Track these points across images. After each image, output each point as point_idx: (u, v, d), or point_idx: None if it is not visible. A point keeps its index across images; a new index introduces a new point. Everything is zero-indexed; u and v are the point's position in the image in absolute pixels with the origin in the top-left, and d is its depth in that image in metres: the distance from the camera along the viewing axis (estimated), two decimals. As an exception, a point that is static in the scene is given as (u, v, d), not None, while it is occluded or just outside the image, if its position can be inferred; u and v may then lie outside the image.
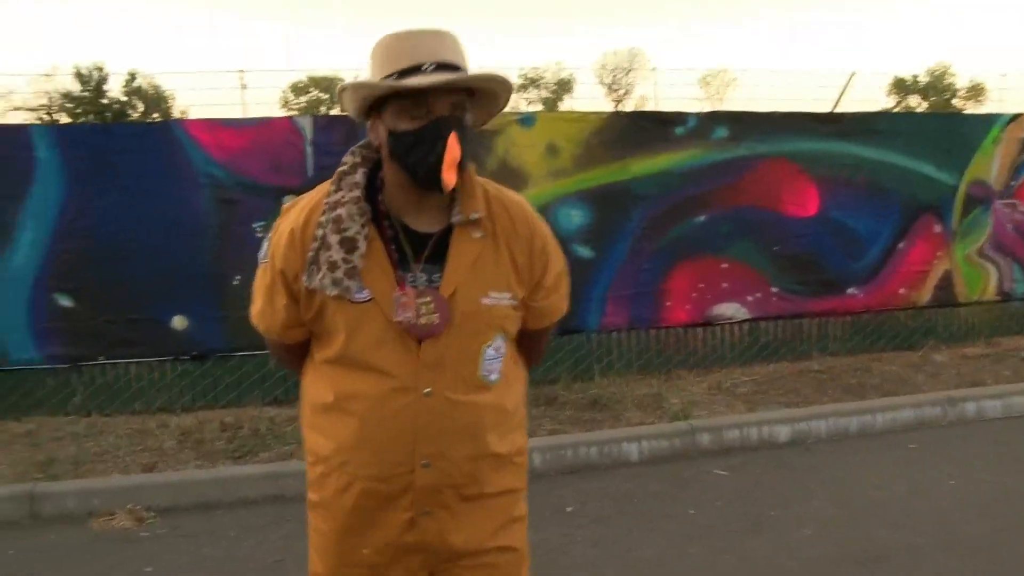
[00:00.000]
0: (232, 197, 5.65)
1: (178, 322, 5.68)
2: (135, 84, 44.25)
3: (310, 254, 1.75)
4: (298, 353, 1.94)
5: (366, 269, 1.73)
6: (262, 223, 5.62)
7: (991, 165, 7.41)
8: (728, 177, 6.58)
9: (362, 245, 1.73)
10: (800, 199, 6.84)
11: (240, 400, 5.89)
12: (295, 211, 1.83)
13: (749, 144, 6.59)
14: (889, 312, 7.39)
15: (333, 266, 1.72)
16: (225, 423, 5.50)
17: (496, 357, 1.81)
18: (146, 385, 5.84)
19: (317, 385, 1.86)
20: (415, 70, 1.67)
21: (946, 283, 7.39)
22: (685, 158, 6.48)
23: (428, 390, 1.74)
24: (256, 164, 5.68)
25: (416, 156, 1.68)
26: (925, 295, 7.36)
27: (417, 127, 1.67)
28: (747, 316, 6.84)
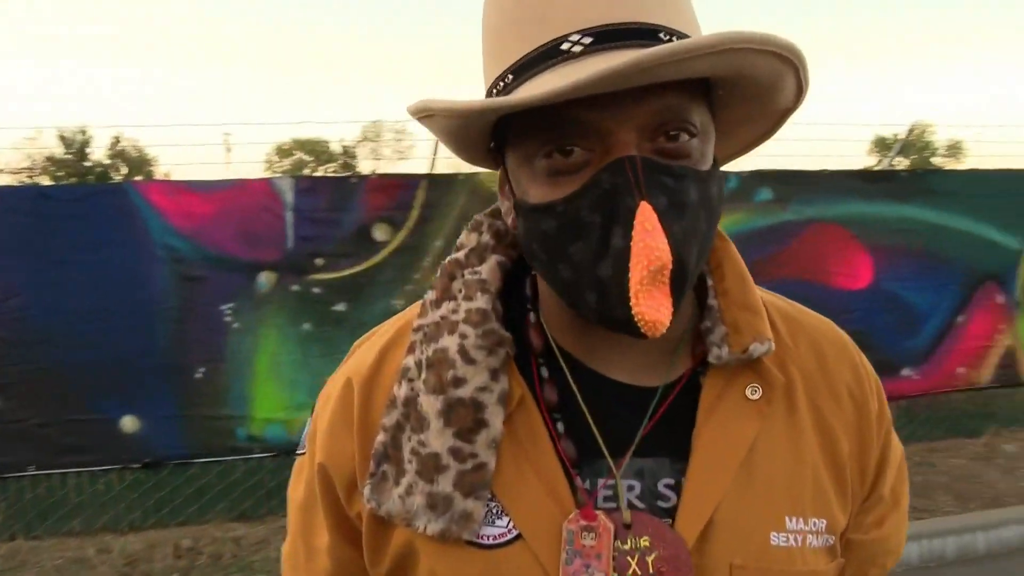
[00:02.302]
0: (196, 273, 4.74)
1: (128, 423, 4.71)
2: (119, 147, 43.82)
3: (380, 439, 0.88)
4: None
5: (504, 472, 0.85)
6: (231, 304, 4.72)
7: (1056, 226, 6.63)
8: (772, 246, 5.75)
9: (495, 420, 0.84)
10: (851, 269, 6.02)
11: (201, 515, 4.92)
12: (364, 347, 0.97)
13: (796, 207, 5.77)
14: (945, 395, 6.56)
15: (431, 466, 0.84)
16: (180, 547, 4.55)
17: None
18: (87, 500, 4.86)
19: None
20: (553, 52, 0.79)
21: (1009, 360, 6.56)
22: (724, 224, 5.62)
23: None
24: (226, 234, 4.78)
25: (568, 268, 0.80)
26: (986, 374, 6.52)
27: (564, 196, 0.79)
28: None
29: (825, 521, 0.89)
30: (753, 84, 0.82)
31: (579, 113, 0.76)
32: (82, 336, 4.62)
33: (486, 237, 0.94)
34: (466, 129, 0.84)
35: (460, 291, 0.90)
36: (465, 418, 0.83)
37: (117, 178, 40.27)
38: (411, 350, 0.89)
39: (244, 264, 4.77)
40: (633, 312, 0.75)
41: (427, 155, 5.56)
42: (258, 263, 4.76)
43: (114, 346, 4.64)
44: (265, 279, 4.80)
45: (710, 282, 0.94)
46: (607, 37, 0.77)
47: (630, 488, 0.85)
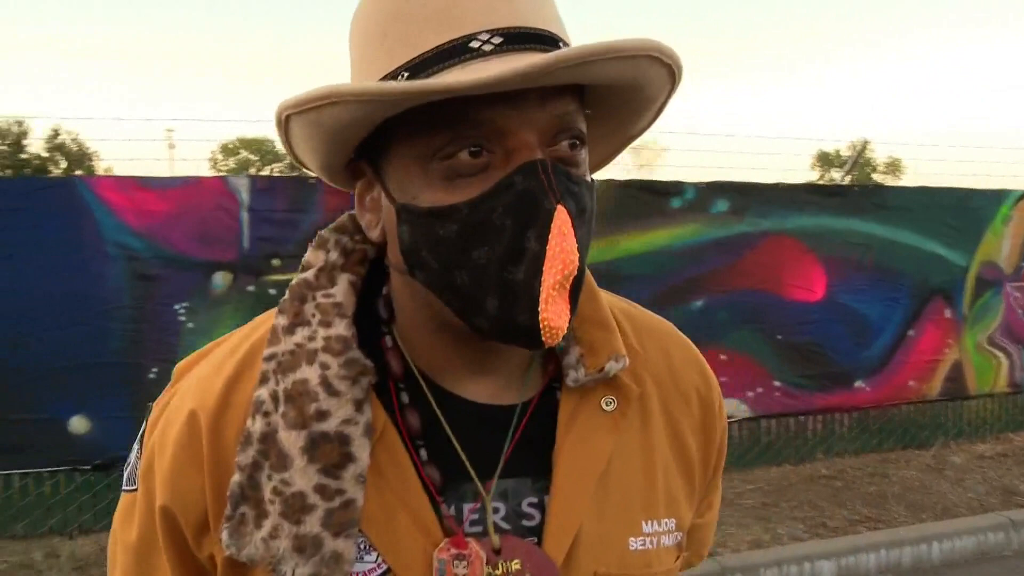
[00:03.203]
0: (150, 272, 4.63)
1: (78, 424, 4.59)
2: (58, 140, 42.71)
3: (235, 479, 0.80)
4: None
5: (369, 506, 0.80)
6: (186, 304, 4.64)
7: (1001, 245, 6.80)
8: (728, 256, 5.80)
9: (362, 454, 0.79)
10: (805, 281, 6.09)
11: (152, 519, 4.79)
12: (201, 375, 0.88)
13: (752, 219, 5.83)
14: (895, 407, 6.66)
15: (296, 506, 0.78)
16: (131, 552, 4.42)
17: None
18: (33, 502, 4.68)
19: None
20: (460, 50, 0.75)
21: (956, 374, 6.71)
22: (682, 234, 5.67)
23: None
24: (180, 233, 4.68)
25: (468, 274, 0.76)
26: (935, 387, 6.66)
27: (468, 199, 0.75)
28: (748, 414, 5.99)
29: (675, 520, 0.91)
30: (625, 102, 0.82)
31: (485, 112, 0.73)
32: (29, 335, 4.48)
33: (334, 255, 0.88)
34: (355, 126, 0.77)
35: (314, 316, 0.83)
36: (331, 453, 0.78)
37: (56, 172, 39.08)
38: (264, 381, 0.82)
39: (199, 263, 4.67)
40: (540, 318, 0.73)
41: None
42: (214, 263, 4.68)
43: (64, 346, 4.51)
44: (221, 279, 4.72)
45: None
46: (517, 39, 0.75)
47: (495, 510, 0.84)
